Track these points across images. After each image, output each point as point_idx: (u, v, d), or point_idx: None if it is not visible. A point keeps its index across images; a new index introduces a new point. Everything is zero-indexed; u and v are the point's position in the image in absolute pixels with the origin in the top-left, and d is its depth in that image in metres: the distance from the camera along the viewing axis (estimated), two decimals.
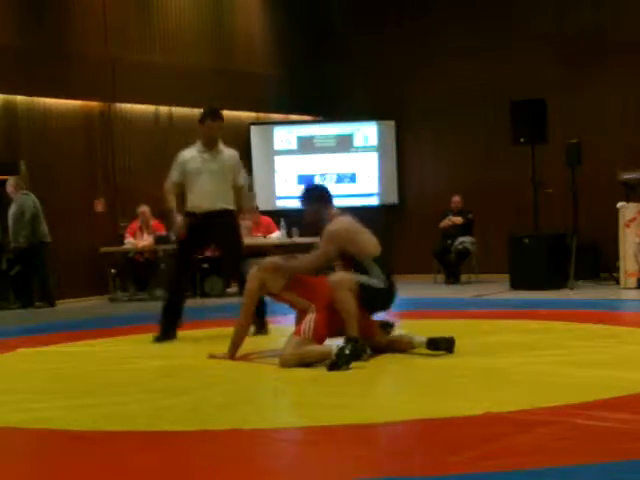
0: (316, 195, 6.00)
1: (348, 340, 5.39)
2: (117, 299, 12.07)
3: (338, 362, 5.23)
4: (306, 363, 5.42)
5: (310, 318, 5.58)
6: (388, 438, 3.83)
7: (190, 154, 7.20)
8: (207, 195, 7.07)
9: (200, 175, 7.07)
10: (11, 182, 11.34)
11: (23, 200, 11.33)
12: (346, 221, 5.87)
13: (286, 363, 5.45)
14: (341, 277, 5.68)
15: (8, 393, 5.11)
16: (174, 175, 7.19)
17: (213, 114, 7.18)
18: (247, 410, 4.32)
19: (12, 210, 11.32)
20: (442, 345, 5.69)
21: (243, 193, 7.36)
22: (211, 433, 3.91)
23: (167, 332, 7.06)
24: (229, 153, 7.30)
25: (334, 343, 5.39)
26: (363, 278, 5.73)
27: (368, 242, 5.86)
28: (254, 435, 3.84)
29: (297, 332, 5.61)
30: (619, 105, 12.31)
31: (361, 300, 5.65)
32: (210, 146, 7.15)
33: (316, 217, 5.94)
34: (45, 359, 6.45)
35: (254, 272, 5.85)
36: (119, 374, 5.61)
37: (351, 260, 5.78)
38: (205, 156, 7.15)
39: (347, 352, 5.24)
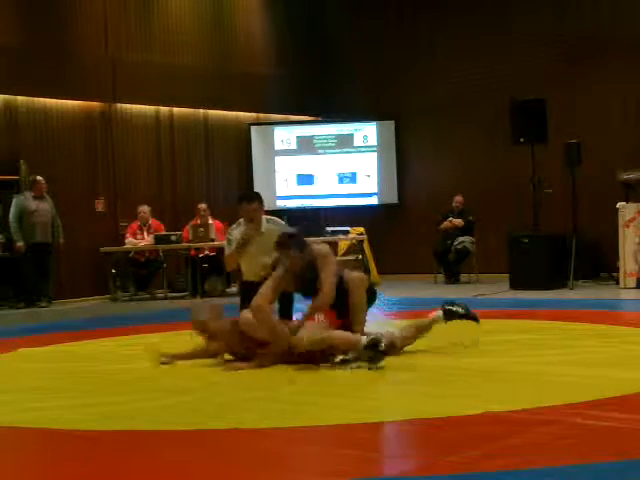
0: (297, 242, 5.88)
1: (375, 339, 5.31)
2: (118, 299, 12.06)
3: (374, 361, 5.20)
4: (328, 346, 5.35)
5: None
6: (388, 438, 3.83)
7: (238, 231, 7.18)
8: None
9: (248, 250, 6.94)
10: (43, 181, 11.38)
11: (51, 201, 11.50)
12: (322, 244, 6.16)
13: (311, 338, 5.34)
14: (360, 277, 5.78)
15: (8, 393, 5.12)
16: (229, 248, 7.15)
17: (242, 198, 7.13)
18: (247, 410, 4.32)
19: (46, 208, 11.38)
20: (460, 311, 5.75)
21: None
22: (211, 433, 3.92)
23: None
24: (271, 229, 7.08)
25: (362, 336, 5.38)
26: None
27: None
28: (254, 435, 3.85)
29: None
30: (619, 105, 12.30)
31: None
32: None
33: (302, 261, 5.84)
34: (45, 359, 6.46)
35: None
36: (119, 374, 5.61)
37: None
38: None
39: (380, 348, 5.20)
